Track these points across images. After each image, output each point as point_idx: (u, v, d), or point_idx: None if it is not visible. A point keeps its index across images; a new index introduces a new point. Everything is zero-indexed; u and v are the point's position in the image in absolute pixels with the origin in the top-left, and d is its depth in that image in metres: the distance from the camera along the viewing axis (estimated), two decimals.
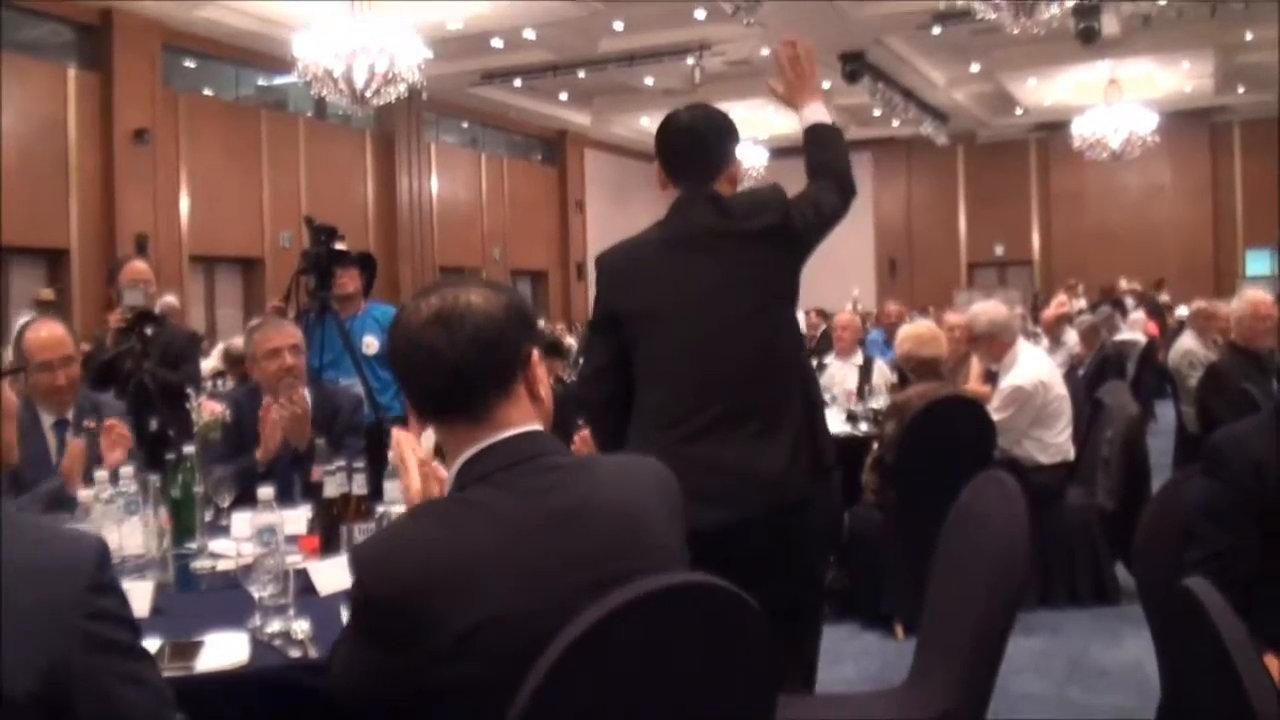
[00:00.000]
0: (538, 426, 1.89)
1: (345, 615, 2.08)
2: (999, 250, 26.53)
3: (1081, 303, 18.02)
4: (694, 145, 3.18)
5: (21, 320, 4.60)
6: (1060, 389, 5.85)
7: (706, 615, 1.74)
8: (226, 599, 2.71)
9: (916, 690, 2.74)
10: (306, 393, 4.29)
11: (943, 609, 2.76)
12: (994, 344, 5.95)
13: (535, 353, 1.91)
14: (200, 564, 3.10)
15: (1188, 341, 8.02)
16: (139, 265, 5.78)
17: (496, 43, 16.94)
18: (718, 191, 3.14)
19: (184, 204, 15.68)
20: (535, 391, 1.91)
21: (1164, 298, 18.66)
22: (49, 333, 4.04)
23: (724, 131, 3.21)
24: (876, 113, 21.73)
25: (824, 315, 13.62)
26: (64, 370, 4.02)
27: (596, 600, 1.66)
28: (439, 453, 2.00)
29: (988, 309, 6.07)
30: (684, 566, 1.86)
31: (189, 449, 3.35)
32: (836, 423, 6.47)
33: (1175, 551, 2.53)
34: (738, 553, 2.51)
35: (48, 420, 4.05)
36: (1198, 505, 2.57)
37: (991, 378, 6.09)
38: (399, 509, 3.00)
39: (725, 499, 2.91)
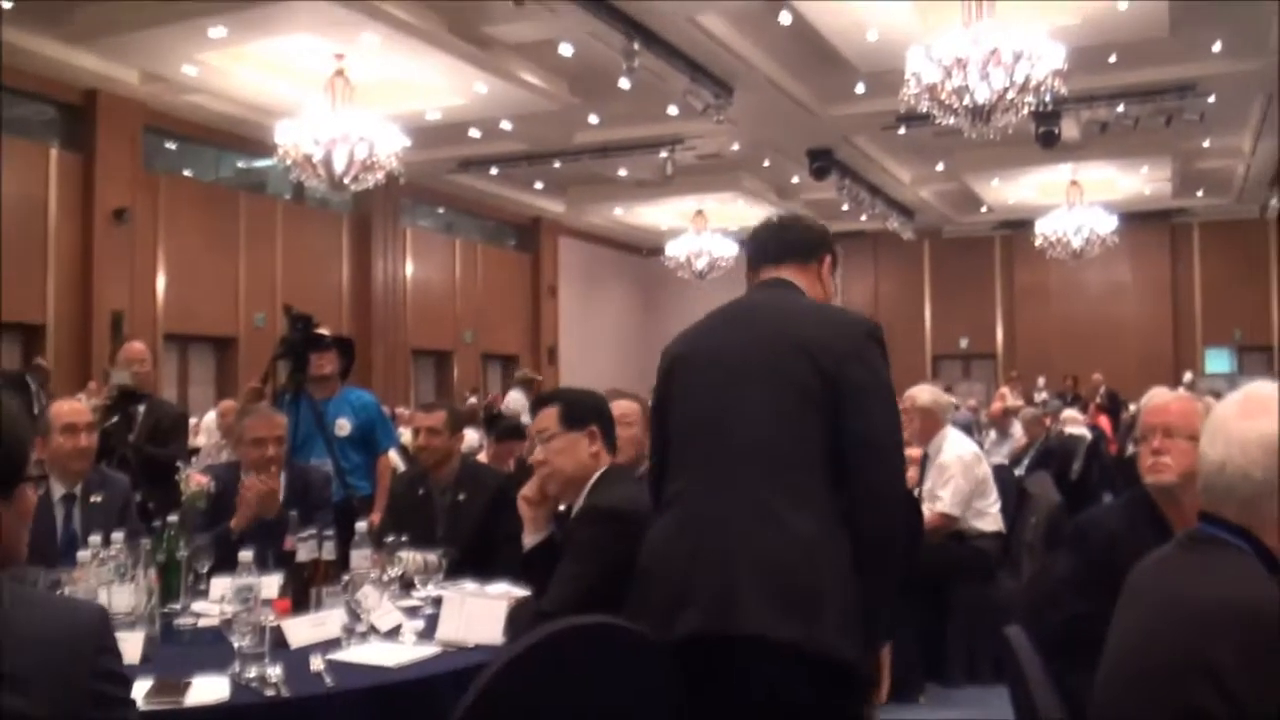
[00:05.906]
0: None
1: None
2: (964, 343, 26.91)
3: (1043, 395, 18.39)
4: (768, 232, 3.02)
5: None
6: (987, 469, 6.29)
7: (613, 653, 2.07)
8: (208, 651, 3.03)
9: None
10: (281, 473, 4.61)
11: None
12: (929, 421, 6.25)
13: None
14: (183, 621, 3.41)
15: None
16: (136, 346, 6.06)
17: (474, 133, 17.34)
18: (792, 283, 2.91)
19: (160, 282, 15.92)
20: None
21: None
22: (72, 405, 4.47)
23: (803, 227, 3.05)
24: (844, 207, 22.17)
25: None
26: (86, 435, 4.29)
27: None
28: None
29: (926, 387, 6.53)
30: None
31: (173, 519, 3.70)
32: None
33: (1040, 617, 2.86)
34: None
35: (58, 492, 4.27)
36: (1059, 577, 2.90)
37: (922, 465, 6.31)
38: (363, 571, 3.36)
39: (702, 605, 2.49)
